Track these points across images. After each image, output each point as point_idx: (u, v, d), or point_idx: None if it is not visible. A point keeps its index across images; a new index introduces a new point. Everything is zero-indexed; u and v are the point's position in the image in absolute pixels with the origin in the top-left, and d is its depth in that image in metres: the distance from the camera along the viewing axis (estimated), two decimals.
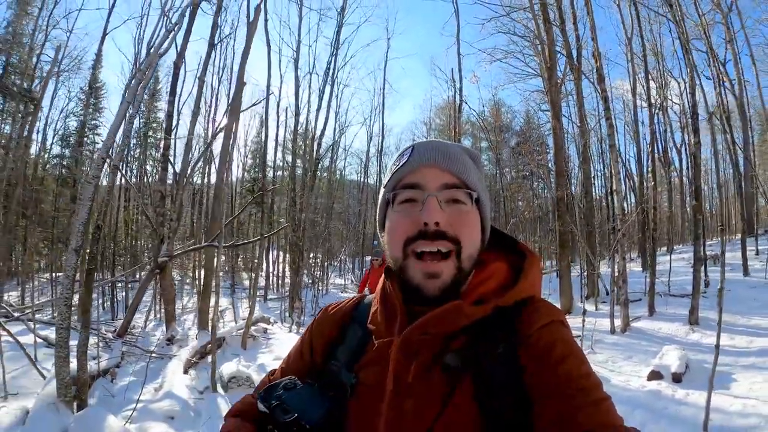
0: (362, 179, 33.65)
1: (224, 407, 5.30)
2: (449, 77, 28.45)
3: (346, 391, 0.93)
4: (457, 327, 0.86)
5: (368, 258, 26.19)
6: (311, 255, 18.32)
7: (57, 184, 18.52)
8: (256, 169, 29.95)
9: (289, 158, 25.88)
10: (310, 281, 16.91)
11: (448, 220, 0.86)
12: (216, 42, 10.36)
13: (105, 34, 16.19)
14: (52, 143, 18.68)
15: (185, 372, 6.89)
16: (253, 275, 12.89)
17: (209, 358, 7.72)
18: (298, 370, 1.06)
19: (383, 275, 1.01)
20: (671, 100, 18.48)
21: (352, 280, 25.72)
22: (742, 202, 16.68)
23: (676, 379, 6.01)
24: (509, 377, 0.81)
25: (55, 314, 11.72)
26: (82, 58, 20.17)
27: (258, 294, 18.10)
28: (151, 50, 8.02)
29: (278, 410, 0.90)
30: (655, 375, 6.28)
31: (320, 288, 16.11)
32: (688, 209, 21.63)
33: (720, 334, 4.89)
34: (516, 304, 0.89)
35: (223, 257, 15.26)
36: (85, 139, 22.24)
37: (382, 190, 0.98)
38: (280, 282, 23.07)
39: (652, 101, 17.19)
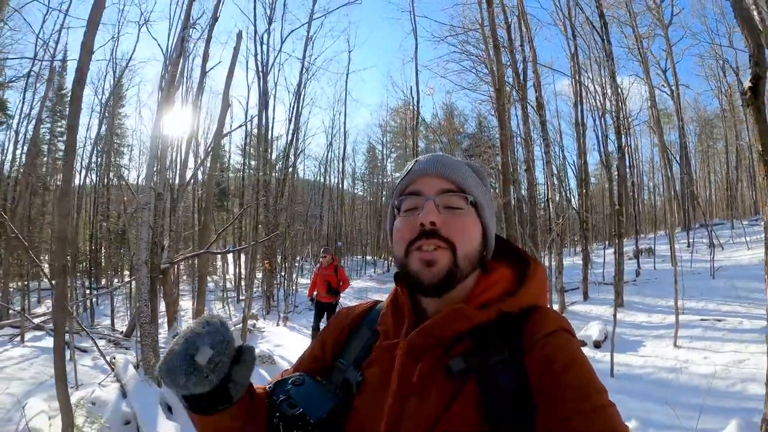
0: (322, 181, 34.65)
1: (260, 375, 6.89)
2: (406, 94, 30.04)
3: (352, 389, 1.01)
4: (461, 330, 0.93)
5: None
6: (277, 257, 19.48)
7: (29, 193, 19.06)
8: (217, 174, 31.06)
9: (252, 162, 27.37)
10: (277, 282, 18.10)
11: (443, 222, 0.95)
12: (208, 70, 11.63)
13: (92, 52, 17.12)
14: (23, 151, 19.26)
15: None
16: (249, 276, 14.09)
17: None
18: (310, 368, 1.12)
19: (394, 279, 1.09)
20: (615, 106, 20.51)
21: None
22: (670, 200, 19.09)
23: (597, 345, 8.12)
24: (513, 383, 0.84)
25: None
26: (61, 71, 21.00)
27: (230, 295, 19.58)
28: (162, 88, 9.54)
29: (284, 404, 0.96)
30: (580, 343, 8.43)
31: (291, 288, 17.29)
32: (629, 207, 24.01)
33: (616, 311, 7.01)
34: (521, 312, 0.94)
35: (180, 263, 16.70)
36: (51, 146, 22.94)
37: (390, 200, 1.07)
38: (246, 284, 23.84)
39: (588, 107, 19.46)
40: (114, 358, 7.18)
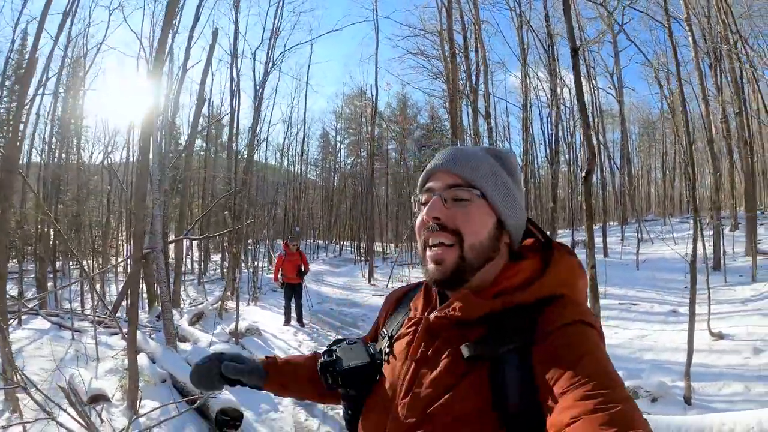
0: (279, 167, 35.80)
1: (255, 344, 8.44)
2: (364, 89, 31.36)
3: (383, 356, 1.15)
4: (470, 317, 0.98)
5: (279, 241, 28.49)
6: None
7: None
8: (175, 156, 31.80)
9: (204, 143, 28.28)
10: (239, 267, 19.10)
11: (450, 216, 1.00)
12: (188, 68, 12.78)
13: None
14: None
15: None
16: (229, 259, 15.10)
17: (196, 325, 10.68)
18: (371, 334, 1.36)
19: None
20: (563, 104, 22.15)
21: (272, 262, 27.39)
22: (604, 197, 21.24)
23: None
24: (520, 375, 0.88)
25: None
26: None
27: (188, 278, 20.78)
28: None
29: (326, 354, 1.18)
30: None
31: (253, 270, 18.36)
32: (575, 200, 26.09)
33: None
34: (540, 302, 0.96)
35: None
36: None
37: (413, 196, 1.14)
38: (201, 267, 24.28)
39: (537, 103, 21.37)
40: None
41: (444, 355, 0.99)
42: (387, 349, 1.15)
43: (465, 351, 0.94)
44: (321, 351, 1.31)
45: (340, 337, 1.60)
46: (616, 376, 0.81)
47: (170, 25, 9.27)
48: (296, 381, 1.43)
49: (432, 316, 1.04)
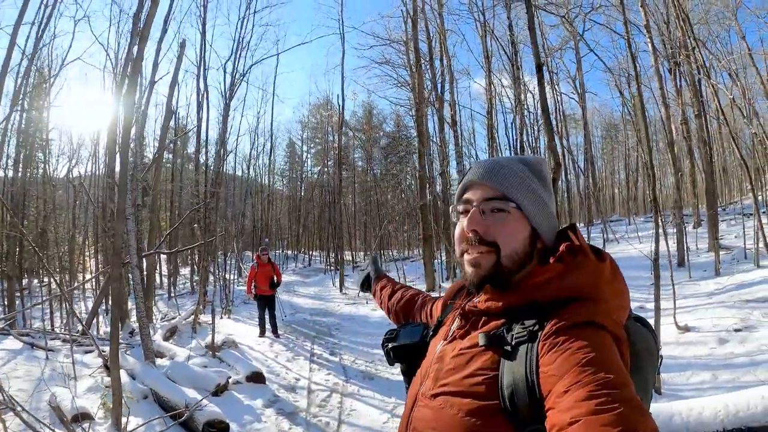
0: (246, 178, 35.58)
1: (233, 356, 8.44)
2: (331, 100, 31.72)
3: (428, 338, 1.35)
4: (492, 309, 1.09)
5: (248, 253, 28.39)
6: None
7: None
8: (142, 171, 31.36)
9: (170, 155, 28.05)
10: (211, 281, 18.90)
11: (487, 227, 1.08)
12: (156, 80, 12.71)
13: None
14: None
15: None
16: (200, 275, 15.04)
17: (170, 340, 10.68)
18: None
19: None
20: (527, 109, 22.64)
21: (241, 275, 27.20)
22: (569, 200, 21.75)
23: None
24: (525, 368, 0.92)
25: None
26: None
27: (161, 293, 20.59)
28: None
29: (389, 332, 1.44)
30: None
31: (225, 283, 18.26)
32: None
33: None
34: (558, 302, 1.00)
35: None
36: None
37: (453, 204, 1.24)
38: (171, 281, 24.47)
39: (502, 109, 21.77)
40: (104, 351, 8.39)
41: (466, 339, 1.10)
42: (431, 332, 1.34)
43: (481, 339, 1.03)
44: (417, 292, 1.92)
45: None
46: (623, 378, 0.82)
47: (140, 58, 9.16)
48: (383, 296, 1.99)
49: (467, 305, 1.16)
